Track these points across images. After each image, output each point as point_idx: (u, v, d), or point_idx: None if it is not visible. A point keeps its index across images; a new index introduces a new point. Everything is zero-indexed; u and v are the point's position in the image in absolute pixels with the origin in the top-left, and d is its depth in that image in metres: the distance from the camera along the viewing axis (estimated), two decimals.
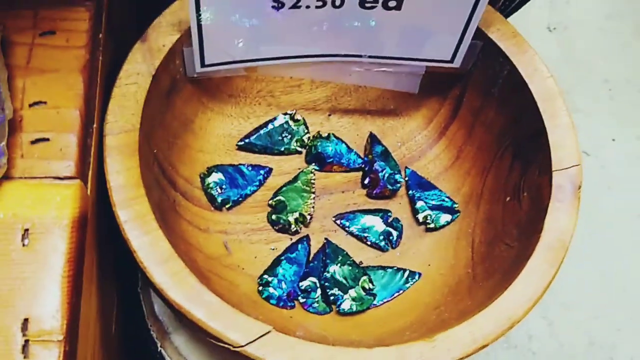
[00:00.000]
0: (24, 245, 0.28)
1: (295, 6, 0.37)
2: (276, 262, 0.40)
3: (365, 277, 0.39)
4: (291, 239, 0.41)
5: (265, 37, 0.39)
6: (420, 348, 0.31)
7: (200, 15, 0.36)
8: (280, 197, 0.42)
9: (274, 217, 0.42)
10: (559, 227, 0.35)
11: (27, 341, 0.27)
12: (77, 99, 0.32)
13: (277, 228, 0.42)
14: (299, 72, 0.43)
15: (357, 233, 0.42)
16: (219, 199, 0.41)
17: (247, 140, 0.43)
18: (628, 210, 0.74)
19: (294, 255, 0.40)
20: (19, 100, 0.31)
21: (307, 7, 0.37)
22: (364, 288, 0.39)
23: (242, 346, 0.30)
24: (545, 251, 0.35)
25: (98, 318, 0.35)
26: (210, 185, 0.41)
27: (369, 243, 0.42)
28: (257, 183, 0.43)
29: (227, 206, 0.41)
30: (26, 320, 0.27)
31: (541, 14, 0.79)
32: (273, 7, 0.37)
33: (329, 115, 0.46)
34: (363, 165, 0.44)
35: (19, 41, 0.33)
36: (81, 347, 0.29)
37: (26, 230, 0.29)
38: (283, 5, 0.36)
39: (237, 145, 0.43)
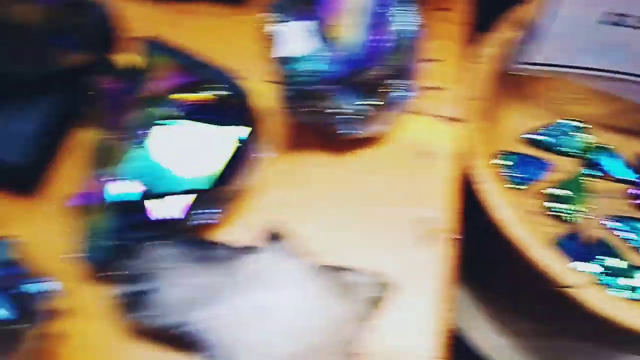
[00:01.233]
0: (420, 164, 0.36)
1: (619, 24, 0.42)
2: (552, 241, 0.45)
3: None
4: (564, 227, 0.46)
5: (584, 48, 0.44)
6: None
7: (536, 22, 0.42)
8: (558, 190, 0.47)
9: (551, 205, 0.47)
10: None
11: (421, 234, 0.34)
12: (459, 61, 0.39)
13: (552, 215, 0.47)
14: (597, 84, 0.48)
15: (624, 235, 0.46)
16: (508, 179, 0.47)
17: (533, 136, 0.49)
18: None
19: (569, 241, 0.45)
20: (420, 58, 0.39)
21: (631, 26, 0.42)
22: None
23: None
24: None
25: None
26: (504, 166, 0.47)
27: (636, 246, 0.46)
28: (539, 174, 0.48)
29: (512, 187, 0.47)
30: (421, 217, 0.34)
31: None
32: (601, 22, 0.43)
33: (608, 129, 0.51)
34: (636, 180, 0.49)
35: None
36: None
37: (422, 152, 0.36)
38: (610, 22, 0.42)
39: (524, 138, 0.49)
